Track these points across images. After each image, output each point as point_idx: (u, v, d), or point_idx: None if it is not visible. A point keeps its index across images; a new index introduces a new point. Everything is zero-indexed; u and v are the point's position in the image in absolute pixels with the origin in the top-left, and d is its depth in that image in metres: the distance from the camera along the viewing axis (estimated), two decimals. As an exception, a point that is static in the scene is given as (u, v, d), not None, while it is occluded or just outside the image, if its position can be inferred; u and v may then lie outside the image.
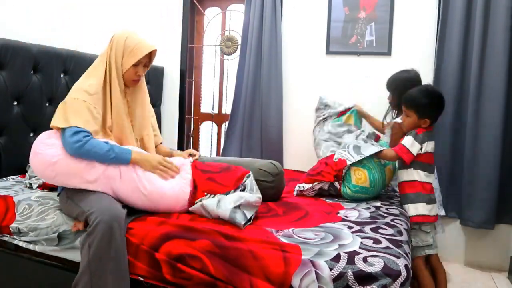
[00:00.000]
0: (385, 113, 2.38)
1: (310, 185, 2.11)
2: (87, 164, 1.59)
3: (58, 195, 1.76)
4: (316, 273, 1.28)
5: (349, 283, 1.25)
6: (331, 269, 1.27)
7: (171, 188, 1.65)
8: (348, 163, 2.03)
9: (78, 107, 1.64)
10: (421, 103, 1.94)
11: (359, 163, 2.05)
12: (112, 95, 1.76)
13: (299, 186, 2.15)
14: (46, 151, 1.60)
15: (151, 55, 1.81)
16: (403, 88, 2.09)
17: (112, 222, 1.44)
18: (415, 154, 1.92)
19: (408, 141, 1.94)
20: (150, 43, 1.77)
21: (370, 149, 2.07)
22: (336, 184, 2.07)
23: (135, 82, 1.82)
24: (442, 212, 2.33)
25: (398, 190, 2.08)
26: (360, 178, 2.02)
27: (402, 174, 2.02)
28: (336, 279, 1.26)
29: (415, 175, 1.97)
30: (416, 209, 1.93)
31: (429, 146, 1.95)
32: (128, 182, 1.60)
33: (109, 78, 1.76)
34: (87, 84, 1.70)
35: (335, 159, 2.09)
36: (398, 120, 2.16)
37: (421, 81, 2.19)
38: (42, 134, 1.69)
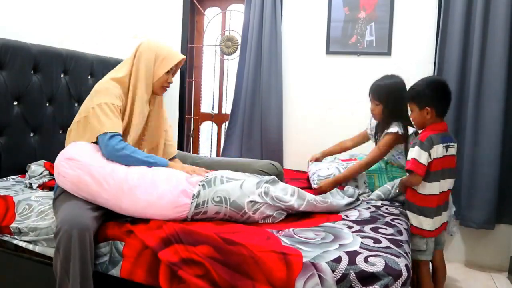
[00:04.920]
0: (375, 129, 2.22)
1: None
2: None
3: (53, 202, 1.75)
4: (319, 276, 1.27)
5: (352, 284, 1.25)
6: (333, 271, 1.27)
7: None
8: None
9: (107, 110, 1.67)
10: (418, 90, 1.83)
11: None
12: (135, 104, 1.78)
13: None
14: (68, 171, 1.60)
15: (178, 64, 1.87)
16: (398, 94, 2.03)
17: (71, 230, 1.43)
18: (426, 164, 1.73)
19: (415, 152, 1.75)
20: (179, 53, 1.87)
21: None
22: None
23: (164, 89, 1.88)
24: (453, 209, 2.14)
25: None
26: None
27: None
28: (339, 281, 1.26)
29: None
30: (413, 219, 1.82)
31: (437, 152, 1.76)
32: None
33: (134, 87, 1.78)
34: (111, 87, 1.74)
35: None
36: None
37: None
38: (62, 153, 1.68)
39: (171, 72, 1.85)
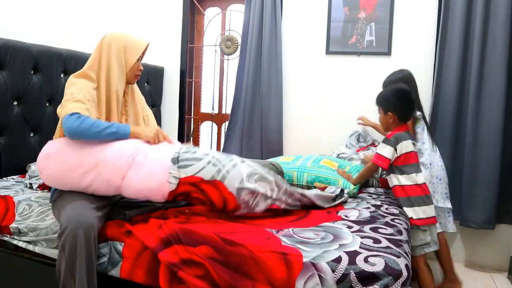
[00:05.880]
0: None
1: None
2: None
3: (50, 202, 1.75)
4: (320, 276, 1.27)
5: (352, 284, 1.25)
6: (333, 271, 1.26)
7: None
8: None
9: (75, 102, 1.64)
10: (384, 96, 2.00)
11: None
12: (112, 98, 1.77)
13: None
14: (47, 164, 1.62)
15: (145, 50, 1.90)
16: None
17: (77, 229, 1.43)
18: (391, 158, 1.89)
19: (380, 147, 1.93)
20: (143, 38, 1.90)
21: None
22: None
23: (138, 77, 1.90)
24: (448, 205, 2.28)
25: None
26: None
27: (388, 180, 2.00)
28: (339, 281, 1.25)
29: (394, 179, 1.93)
30: (409, 212, 1.87)
31: (406, 147, 1.90)
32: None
33: (107, 81, 1.76)
34: (79, 83, 1.72)
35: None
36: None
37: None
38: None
39: (140, 59, 1.87)
